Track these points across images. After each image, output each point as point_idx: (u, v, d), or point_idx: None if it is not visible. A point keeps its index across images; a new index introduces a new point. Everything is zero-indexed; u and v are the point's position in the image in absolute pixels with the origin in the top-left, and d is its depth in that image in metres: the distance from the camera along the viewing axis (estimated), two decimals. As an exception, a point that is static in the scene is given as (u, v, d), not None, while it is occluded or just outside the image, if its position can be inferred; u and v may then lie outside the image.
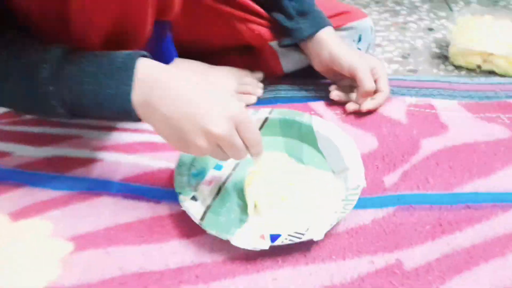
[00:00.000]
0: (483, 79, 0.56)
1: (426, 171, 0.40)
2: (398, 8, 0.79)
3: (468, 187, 0.39)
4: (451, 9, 0.78)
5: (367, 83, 0.46)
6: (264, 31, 0.52)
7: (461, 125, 0.46)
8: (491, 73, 0.60)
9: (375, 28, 0.59)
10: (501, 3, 0.80)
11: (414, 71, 0.62)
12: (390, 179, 0.40)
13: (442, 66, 0.63)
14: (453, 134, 0.45)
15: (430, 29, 0.72)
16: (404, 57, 0.65)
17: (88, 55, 0.33)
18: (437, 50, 0.67)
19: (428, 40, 0.69)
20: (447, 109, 0.48)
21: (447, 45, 0.64)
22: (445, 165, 0.41)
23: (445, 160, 0.41)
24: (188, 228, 0.36)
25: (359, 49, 0.55)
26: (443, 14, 0.77)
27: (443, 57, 0.65)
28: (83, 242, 0.35)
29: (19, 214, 0.38)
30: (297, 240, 0.33)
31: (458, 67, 0.62)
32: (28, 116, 0.48)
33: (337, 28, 0.52)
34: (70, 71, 0.33)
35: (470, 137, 0.44)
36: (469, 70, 0.62)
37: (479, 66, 0.61)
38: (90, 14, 0.35)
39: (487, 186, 0.39)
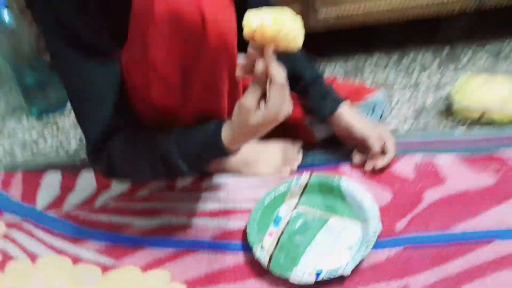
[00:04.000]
0: (478, 132, 0.69)
1: (427, 217, 0.55)
2: (412, 67, 0.94)
3: (459, 228, 0.53)
4: (456, 66, 0.92)
5: (375, 147, 0.62)
6: (299, 113, 0.70)
7: (457, 176, 0.60)
8: (490, 124, 0.73)
9: (391, 91, 0.75)
10: (502, 54, 0.93)
11: (424, 128, 0.76)
12: (400, 225, 0.55)
13: (449, 121, 0.76)
14: (449, 184, 0.59)
15: (439, 86, 0.87)
16: (416, 115, 0.80)
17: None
18: (444, 106, 0.80)
19: (437, 96, 0.83)
20: (446, 163, 0.63)
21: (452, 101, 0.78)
22: (442, 211, 0.55)
23: (442, 207, 0.56)
24: (259, 270, 0.53)
25: (375, 118, 0.71)
26: (451, 70, 0.91)
27: (449, 112, 0.78)
28: (193, 284, 0.53)
29: (146, 267, 0.56)
30: (334, 275, 0.49)
31: (462, 121, 0.76)
32: (140, 193, 0.68)
33: (354, 103, 0.69)
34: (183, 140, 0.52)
35: (463, 186, 0.58)
36: (472, 122, 0.75)
37: (479, 119, 0.74)
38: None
39: (473, 226, 0.53)
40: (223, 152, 0.51)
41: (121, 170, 0.56)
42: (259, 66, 0.46)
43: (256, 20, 0.43)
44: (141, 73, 0.52)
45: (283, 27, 0.44)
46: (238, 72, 0.49)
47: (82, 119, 0.56)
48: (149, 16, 0.46)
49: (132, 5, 0.48)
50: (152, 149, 0.53)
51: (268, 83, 0.46)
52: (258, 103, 0.47)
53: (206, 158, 0.54)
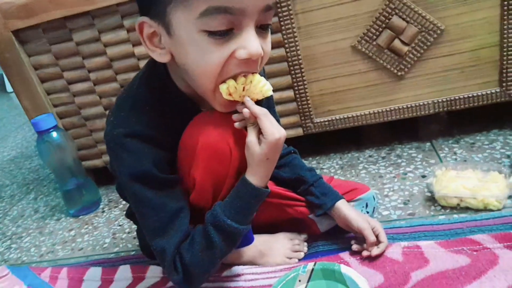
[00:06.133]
0: (456, 218, 0.82)
1: (414, 294, 0.66)
2: (399, 160, 1.08)
3: (440, 303, 0.63)
4: (439, 156, 1.06)
5: (370, 238, 0.74)
6: (304, 209, 0.83)
7: (437, 258, 0.71)
8: (468, 208, 0.86)
9: (382, 183, 0.88)
10: (477, 143, 1.07)
11: (412, 214, 0.89)
12: (392, 302, 0.65)
13: (432, 207, 0.89)
14: (432, 265, 0.70)
15: (423, 176, 1.00)
16: (405, 203, 0.92)
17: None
18: (429, 194, 0.93)
19: (422, 186, 0.97)
20: (428, 247, 0.74)
21: (435, 190, 0.91)
22: (426, 289, 0.66)
23: (427, 285, 0.67)
24: None
25: (367, 212, 0.84)
26: (433, 161, 1.05)
27: (433, 199, 0.91)
28: None
29: None
30: None
31: (444, 207, 0.88)
32: (169, 284, 0.79)
33: (349, 200, 0.83)
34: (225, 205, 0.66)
35: (442, 267, 0.69)
36: (452, 208, 0.87)
37: (458, 205, 0.87)
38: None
39: (452, 301, 0.63)
40: (257, 191, 0.64)
41: (196, 271, 0.65)
42: (245, 111, 0.62)
43: (224, 85, 0.60)
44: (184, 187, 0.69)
45: (248, 80, 0.61)
46: (236, 125, 0.65)
47: (160, 239, 0.65)
48: (194, 148, 0.64)
49: (181, 141, 0.67)
50: (204, 230, 0.65)
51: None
52: (258, 138, 0.63)
53: (248, 206, 0.66)
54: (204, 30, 0.56)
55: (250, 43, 0.57)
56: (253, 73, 0.61)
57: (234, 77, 0.60)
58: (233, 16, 0.55)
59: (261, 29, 0.60)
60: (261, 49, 0.58)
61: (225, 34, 0.57)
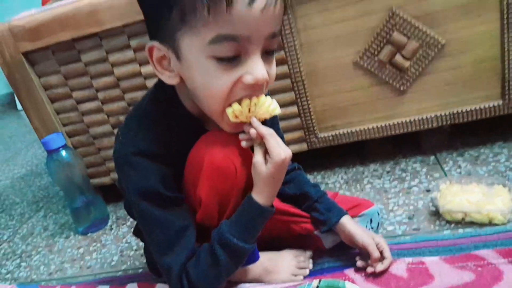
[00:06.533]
0: (461, 233, 0.82)
1: (418, 311, 0.66)
2: (404, 174, 1.09)
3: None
4: (443, 170, 1.07)
5: (374, 254, 0.75)
6: (309, 226, 0.84)
7: (442, 274, 0.71)
8: (473, 223, 0.86)
9: (387, 197, 0.89)
10: (482, 156, 1.07)
11: (417, 229, 0.89)
12: (397, 320, 0.66)
13: (437, 222, 0.89)
14: (436, 282, 0.70)
15: (428, 190, 1.00)
16: (410, 218, 0.93)
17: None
18: (433, 209, 0.93)
19: (426, 200, 0.97)
20: (433, 263, 0.74)
21: (440, 205, 0.91)
22: (430, 306, 0.66)
23: (431, 302, 0.67)
24: None
25: (372, 227, 0.84)
26: (437, 175, 1.05)
27: (438, 214, 0.91)
28: None
29: None
30: None
31: (449, 221, 0.88)
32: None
33: (354, 216, 0.83)
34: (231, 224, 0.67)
35: (447, 283, 0.69)
36: (457, 222, 0.87)
37: (463, 219, 0.87)
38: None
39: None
40: (263, 210, 0.65)
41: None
42: (252, 131, 0.64)
43: (229, 109, 0.62)
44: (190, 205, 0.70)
45: (252, 102, 0.62)
46: (243, 144, 0.66)
47: (167, 257, 0.67)
48: (200, 167, 0.66)
49: (188, 160, 0.68)
50: (211, 248, 0.67)
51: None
52: (265, 157, 0.64)
53: (254, 225, 0.67)
54: (213, 56, 0.58)
55: (256, 69, 0.59)
56: (257, 95, 0.63)
57: (240, 100, 0.62)
58: (240, 43, 0.58)
59: (267, 54, 0.62)
60: (266, 74, 0.60)
61: (233, 60, 0.59)
